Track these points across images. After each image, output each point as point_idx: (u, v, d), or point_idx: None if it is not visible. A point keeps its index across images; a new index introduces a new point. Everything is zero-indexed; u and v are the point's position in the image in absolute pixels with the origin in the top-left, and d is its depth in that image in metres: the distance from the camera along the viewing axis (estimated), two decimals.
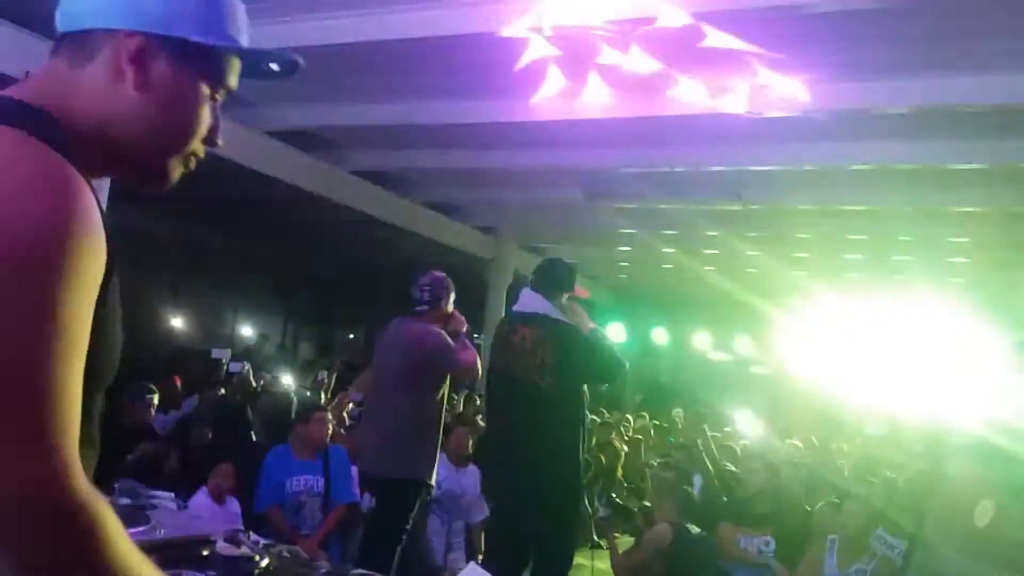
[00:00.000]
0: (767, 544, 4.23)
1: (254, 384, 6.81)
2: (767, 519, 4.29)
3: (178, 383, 4.82)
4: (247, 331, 12.26)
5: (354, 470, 4.44)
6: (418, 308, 3.74)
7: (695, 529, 4.00)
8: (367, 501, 4.16)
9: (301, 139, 5.56)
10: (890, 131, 4.43)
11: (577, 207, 6.63)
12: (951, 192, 5.33)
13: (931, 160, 4.67)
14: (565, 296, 3.53)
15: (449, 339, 3.68)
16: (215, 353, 6.86)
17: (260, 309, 12.24)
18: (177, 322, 11.26)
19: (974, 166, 4.68)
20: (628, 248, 8.71)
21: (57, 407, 0.71)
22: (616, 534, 4.41)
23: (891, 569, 3.94)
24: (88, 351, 0.76)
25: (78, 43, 0.87)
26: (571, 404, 3.45)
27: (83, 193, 0.77)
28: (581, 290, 3.74)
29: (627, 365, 3.57)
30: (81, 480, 0.72)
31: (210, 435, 5.27)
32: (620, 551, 4.25)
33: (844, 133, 4.54)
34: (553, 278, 3.58)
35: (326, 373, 6.77)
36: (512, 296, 8.41)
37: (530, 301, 3.54)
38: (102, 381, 0.87)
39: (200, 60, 0.90)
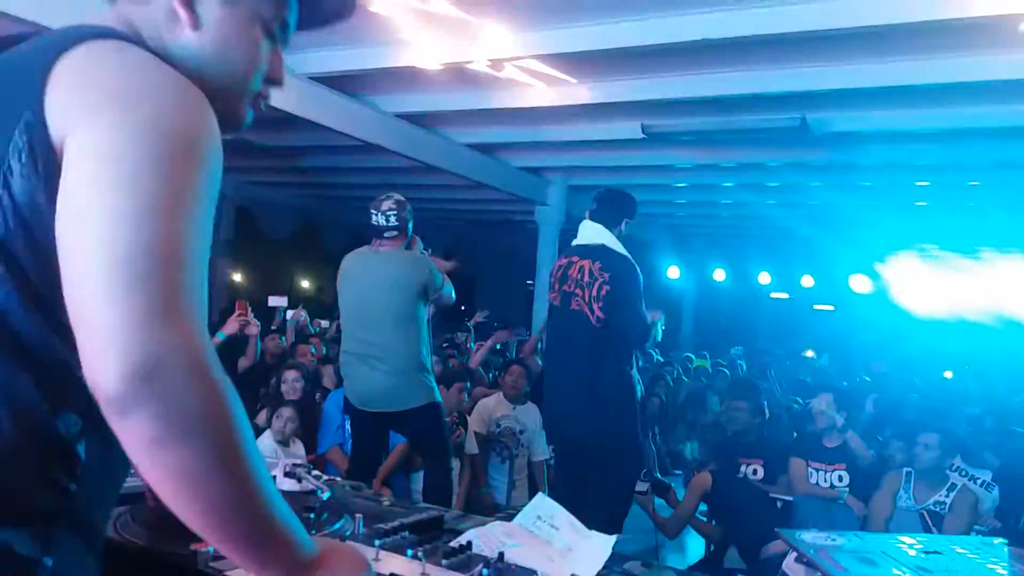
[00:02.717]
0: (840, 479, 4.12)
1: (312, 330, 6.88)
2: (840, 453, 4.18)
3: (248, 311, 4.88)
4: (305, 284, 12.46)
5: None
6: (387, 234, 3.61)
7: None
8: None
9: (340, 83, 5.45)
10: (964, 44, 4.10)
11: (632, 142, 6.40)
12: None
13: (1012, 74, 4.31)
14: (624, 223, 3.51)
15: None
16: (272, 301, 6.93)
17: (317, 261, 12.37)
18: (236, 276, 11.47)
19: None
20: (684, 184, 8.44)
21: (197, 285, 0.76)
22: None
23: (971, 501, 3.80)
24: None
25: None
26: (625, 339, 3.39)
27: (206, 100, 0.83)
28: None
29: (656, 339, 3.60)
30: (216, 358, 0.75)
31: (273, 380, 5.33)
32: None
33: (916, 47, 4.23)
34: (612, 206, 3.57)
35: None
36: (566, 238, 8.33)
37: (589, 232, 3.50)
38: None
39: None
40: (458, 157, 7.14)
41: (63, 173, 0.75)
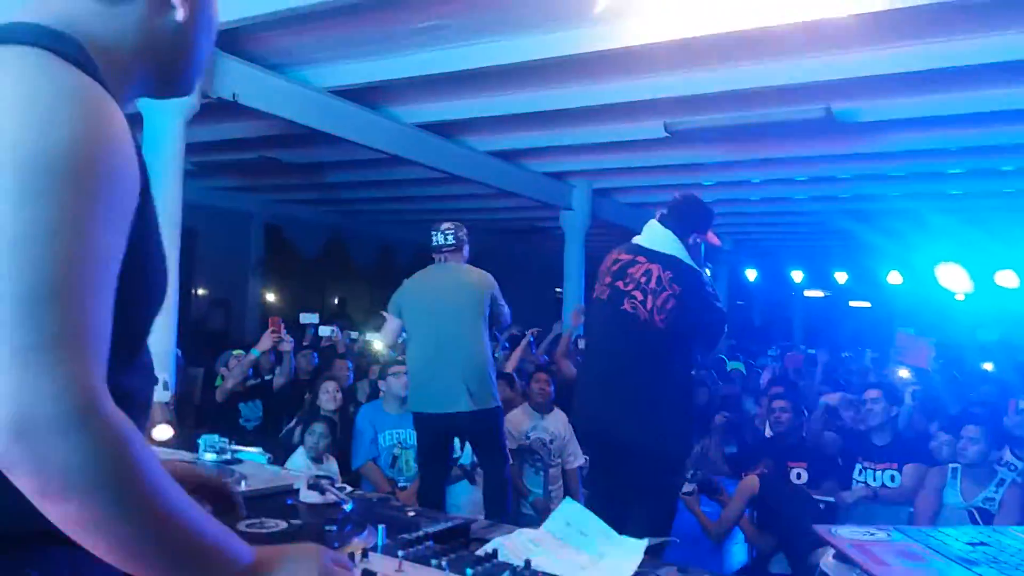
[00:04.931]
0: (892, 479, 4.00)
1: (345, 347, 6.89)
2: (891, 451, 4.06)
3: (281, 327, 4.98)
4: (335, 300, 12.54)
5: None
6: (446, 249, 4.09)
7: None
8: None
9: (360, 95, 5.46)
10: (992, 23, 3.98)
11: (655, 142, 6.33)
12: None
13: None
14: (693, 237, 3.27)
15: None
16: (303, 318, 6.96)
17: (345, 276, 12.46)
18: (268, 295, 11.58)
19: None
20: (711, 183, 8.34)
21: (80, 322, 0.69)
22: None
23: (1022, 496, 3.66)
24: (132, 275, 0.76)
25: None
26: (683, 351, 3.20)
27: (115, 115, 0.77)
28: (713, 237, 3.45)
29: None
30: (106, 398, 0.70)
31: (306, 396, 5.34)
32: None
33: (940, 30, 4.12)
34: (687, 215, 3.33)
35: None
36: (583, 247, 8.30)
37: (659, 237, 3.26)
38: (151, 303, 0.85)
39: None
40: (481, 165, 7.13)
41: None
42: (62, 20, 0.85)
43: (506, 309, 4.15)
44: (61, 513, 0.69)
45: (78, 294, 0.69)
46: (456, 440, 4.25)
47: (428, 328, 3.98)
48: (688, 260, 3.21)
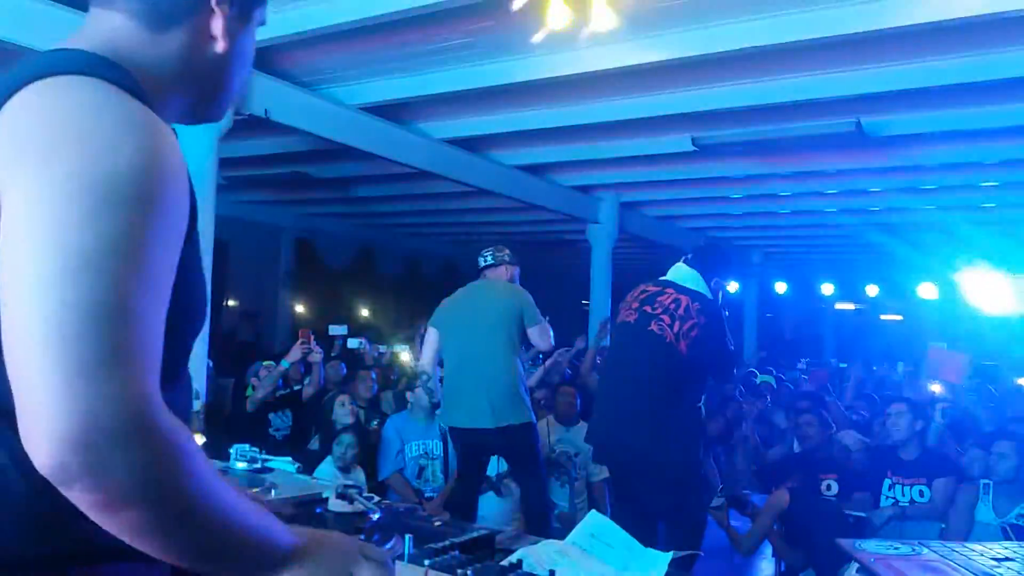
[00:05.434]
0: (921, 494, 3.94)
1: (373, 358, 6.95)
2: (919, 466, 4.00)
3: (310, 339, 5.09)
4: (364, 312, 12.64)
5: None
6: (488, 268, 4.25)
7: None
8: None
9: (389, 111, 5.53)
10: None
11: (682, 155, 6.34)
12: None
13: None
14: (715, 281, 3.54)
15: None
16: (332, 330, 7.03)
17: (373, 288, 12.55)
18: (298, 307, 11.71)
19: None
20: (739, 196, 8.31)
21: (139, 338, 0.72)
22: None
23: None
24: (178, 296, 0.80)
25: (154, 7, 0.92)
26: (699, 379, 3.43)
27: (172, 142, 0.81)
28: (733, 284, 3.82)
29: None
30: (163, 410, 0.73)
31: None
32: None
33: (972, 43, 4.09)
34: (711, 259, 3.62)
35: None
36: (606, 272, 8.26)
37: (685, 274, 3.51)
38: (194, 323, 0.89)
39: (259, 8, 1.02)
40: (508, 179, 7.17)
41: (1, 229, 0.74)
42: (110, 47, 0.89)
43: (541, 331, 4.10)
44: (120, 521, 0.72)
45: (138, 312, 0.72)
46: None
47: (457, 343, 4.08)
48: (711, 296, 3.46)
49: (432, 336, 4.25)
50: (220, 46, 0.96)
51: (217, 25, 0.95)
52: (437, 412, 4.55)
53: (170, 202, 0.77)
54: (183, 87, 0.96)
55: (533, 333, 4.06)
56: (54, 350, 0.68)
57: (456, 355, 4.09)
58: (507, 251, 4.33)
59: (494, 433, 3.89)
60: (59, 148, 0.74)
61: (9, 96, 0.79)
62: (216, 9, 0.95)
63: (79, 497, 0.70)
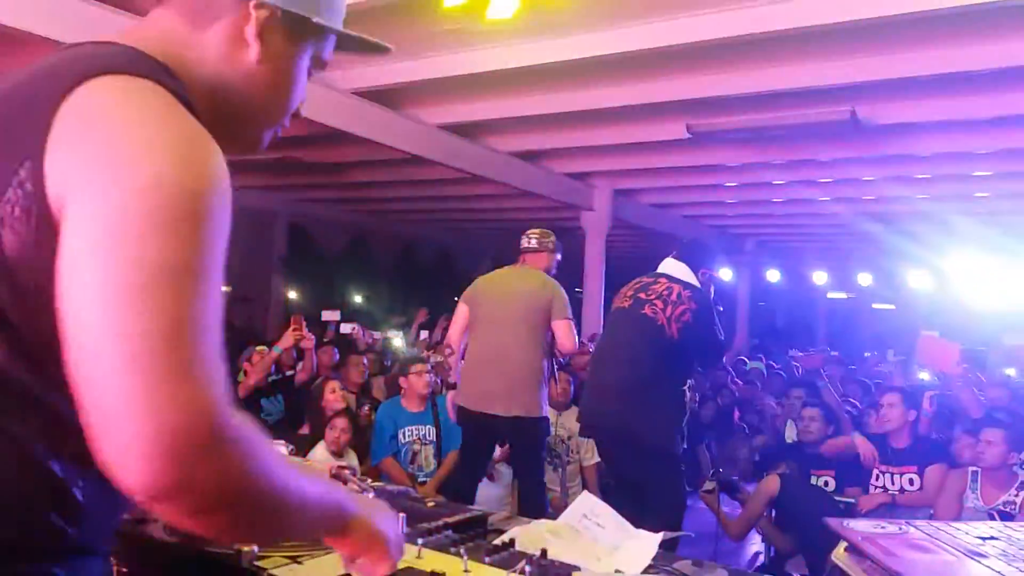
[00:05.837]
0: (911, 483, 3.98)
1: (365, 344, 6.96)
2: (909, 455, 4.03)
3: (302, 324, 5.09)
4: (357, 298, 12.64)
5: None
6: (528, 253, 4.16)
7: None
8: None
9: (383, 96, 5.51)
10: (1019, 27, 3.96)
11: (677, 143, 6.34)
12: None
13: None
14: (703, 272, 3.66)
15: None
16: (325, 315, 7.04)
17: (366, 274, 12.55)
18: (291, 293, 11.71)
19: None
20: (734, 184, 8.32)
21: (211, 350, 0.73)
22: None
23: None
24: None
25: (200, 2, 0.91)
26: (686, 363, 3.55)
27: (216, 148, 0.80)
28: (725, 271, 4.01)
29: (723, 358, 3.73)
30: (235, 414, 0.74)
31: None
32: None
33: (966, 32, 4.10)
34: (696, 252, 3.78)
35: (427, 332, 7.14)
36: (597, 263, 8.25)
37: (676, 267, 3.66)
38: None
39: (312, 39, 0.96)
40: (502, 166, 7.16)
41: (64, 237, 0.73)
42: (157, 46, 0.87)
43: (567, 328, 3.98)
44: (209, 524, 0.74)
45: (209, 324, 0.73)
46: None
47: (482, 326, 4.04)
48: (702, 288, 3.60)
49: (462, 311, 4.17)
50: (253, 52, 0.91)
51: (251, 30, 0.90)
52: (442, 395, 4.52)
53: (224, 216, 0.78)
54: (210, 100, 0.91)
55: (558, 327, 3.96)
56: (136, 367, 0.68)
57: (480, 337, 4.04)
58: (552, 238, 4.22)
59: (503, 421, 3.87)
60: (131, 158, 0.73)
61: (66, 91, 0.76)
62: (252, 13, 0.90)
63: (168, 509, 0.71)
